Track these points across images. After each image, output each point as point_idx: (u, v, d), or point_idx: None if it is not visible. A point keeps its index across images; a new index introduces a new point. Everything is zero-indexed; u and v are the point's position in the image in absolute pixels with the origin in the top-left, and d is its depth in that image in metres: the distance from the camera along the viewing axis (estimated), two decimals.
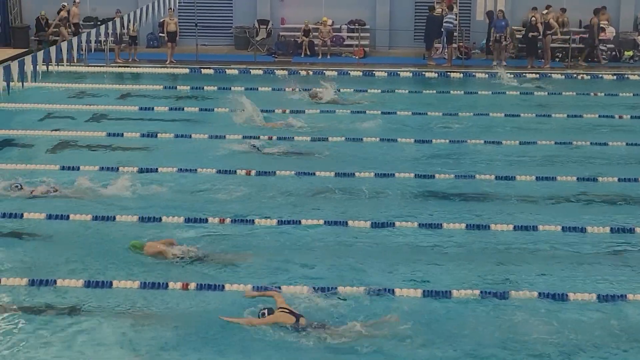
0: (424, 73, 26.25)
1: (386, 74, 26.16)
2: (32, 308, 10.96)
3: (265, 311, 10.45)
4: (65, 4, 27.56)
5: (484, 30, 28.26)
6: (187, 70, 26.37)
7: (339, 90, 22.56)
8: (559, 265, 12.49)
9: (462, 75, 26.04)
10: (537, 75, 26.06)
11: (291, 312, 10.47)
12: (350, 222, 13.84)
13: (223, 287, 11.41)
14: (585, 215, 14.42)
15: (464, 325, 10.67)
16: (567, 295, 11.38)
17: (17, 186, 14.92)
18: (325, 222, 13.81)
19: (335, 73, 26.13)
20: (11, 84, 16.00)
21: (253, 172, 16.27)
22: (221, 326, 10.44)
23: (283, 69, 26.47)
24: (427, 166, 16.94)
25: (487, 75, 25.67)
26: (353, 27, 29.74)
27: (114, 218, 13.84)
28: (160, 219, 13.81)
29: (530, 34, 27.38)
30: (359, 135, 18.98)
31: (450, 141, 18.71)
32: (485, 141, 18.70)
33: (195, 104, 21.98)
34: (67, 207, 14.25)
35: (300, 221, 13.82)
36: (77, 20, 28.27)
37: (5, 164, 16.56)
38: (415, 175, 16.28)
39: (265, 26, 29.57)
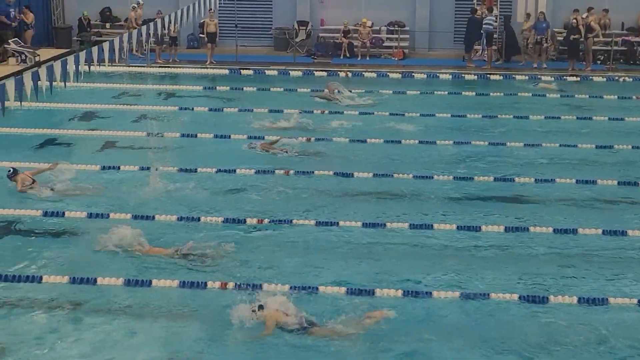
0: (463, 75, 26.14)
1: (425, 75, 26.07)
2: (73, 306, 11.09)
3: (256, 307, 10.48)
4: (135, 5, 27.72)
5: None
6: (226, 71, 26.49)
7: (350, 91, 22.57)
8: (599, 269, 12.37)
9: (501, 77, 25.87)
10: (578, 78, 25.84)
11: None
12: (388, 224, 13.82)
13: (261, 286, 11.45)
14: (625, 218, 14.27)
15: (501, 329, 10.62)
16: (607, 299, 11.27)
17: (51, 188, 15.11)
18: (363, 223, 13.81)
19: (374, 75, 26.11)
20: (54, 83, 16.20)
21: (292, 172, 16.32)
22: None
23: (322, 70, 26.50)
24: (465, 168, 16.88)
25: (527, 77, 25.49)
26: (392, 28, 29.67)
27: (153, 217, 13.95)
28: (199, 219, 13.90)
29: (572, 37, 27.14)
30: (398, 137, 18.95)
31: (489, 143, 18.60)
32: (524, 144, 18.57)
33: (234, 104, 22.06)
34: (107, 206, 14.40)
35: (338, 222, 13.83)
36: (140, 22, 28.44)
37: (48, 163, 16.71)
38: (454, 177, 16.22)
39: (304, 27, 29.62)
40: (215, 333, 10.41)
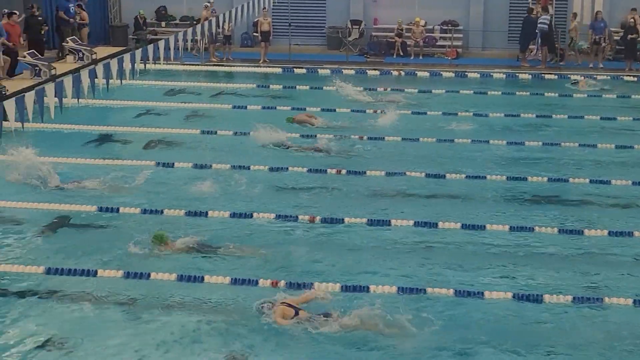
0: (517, 75, 25.91)
1: (478, 75, 25.90)
2: (127, 300, 11.24)
3: (264, 305, 10.59)
4: (207, 4, 27.93)
5: (582, 31, 27.70)
6: (279, 70, 26.60)
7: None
8: None
9: (556, 77, 25.59)
10: (635, 78, 25.44)
11: (290, 305, 10.54)
12: (440, 224, 13.78)
13: (312, 285, 11.49)
14: None
15: (554, 330, 10.53)
16: None
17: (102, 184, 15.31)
18: (415, 222, 13.78)
19: (427, 74, 26.02)
20: (110, 81, 16.47)
21: (344, 172, 16.34)
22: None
23: (375, 69, 26.49)
24: (519, 168, 16.74)
25: (582, 78, 25.17)
26: (446, 27, 29.54)
27: (207, 214, 14.08)
28: (252, 215, 13.99)
29: (629, 36, 26.75)
30: (451, 136, 18.88)
31: (543, 143, 18.43)
32: (579, 144, 18.36)
33: (287, 103, 22.15)
34: (161, 203, 14.56)
35: (389, 221, 13.82)
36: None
37: (103, 159, 16.98)
38: (507, 177, 16.10)
39: (358, 26, 29.61)
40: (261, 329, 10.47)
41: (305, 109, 21.24)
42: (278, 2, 27.53)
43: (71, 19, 26.84)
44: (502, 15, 29.30)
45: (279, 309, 10.51)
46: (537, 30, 27.11)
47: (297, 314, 10.47)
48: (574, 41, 27.45)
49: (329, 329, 10.27)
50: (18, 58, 23.54)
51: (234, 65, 27.34)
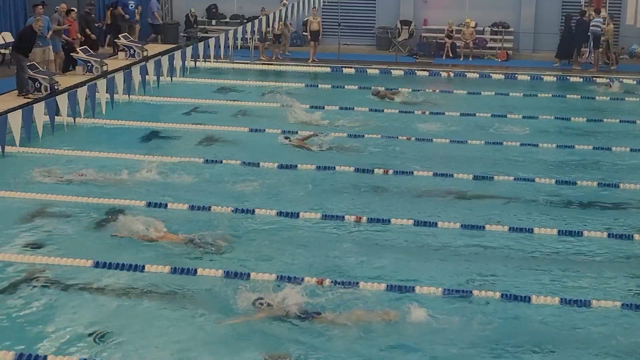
0: (568, 77, 25.64)
1: (529, 77, 25.69)
2: (174, 296, 11.34)
3: (257, 301, 10.67)
4: (286, 1, 28.12)
5: (636, 34, 27.34)
6: (328, 69, 26.64)
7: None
8: None
9: (608, 80, 25.28)
10: None
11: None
12: (487, 226, 13.69)
13: (357, 283, 11.48)
14: None
15: (603, 335, 10.40)
16: None
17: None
18: (461, 225, 13.71)
19: (477, 75, 25.87)
20: (161, 78, 16.63)
21: (391, 172, 16.31)
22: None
23: (424, 70, 26.40)
24: (568, 172, 16.57)
25: (635, 82, 24.85)
26: (496, 29, 29.35)
27: (253, 211, 14.14)
28: (298, 215, 14.02)
29: None
30: (499, 139, 18.74)
31: (593, 147, 18.22)
32: (630, 149, 18.13)
33: (335, 102, 22.15)
34: (208, 199, 14.65)
35: (436, 223, 13.76)
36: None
37: (152, 155, 17.13)
38: (556, 181, 15.95)
39: (407, 27, 29.55)
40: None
41: (353, 109, 21.27)
42: (328, 2, 27.58)
43: (131, 16, 27.23)
44: (553, 17, 29.05)
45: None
46: (589, 34, 26.81)
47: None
48: (609, 44, 27.12)
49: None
50: (72, 54, 23.87)
51: (283, 64, 27.43)
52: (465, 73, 26.13)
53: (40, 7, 22.61)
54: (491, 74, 26.01)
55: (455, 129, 19.55)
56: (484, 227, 13.66)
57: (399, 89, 22.81)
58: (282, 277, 11.68)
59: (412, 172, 16.29)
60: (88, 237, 13.17)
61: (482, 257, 12.70)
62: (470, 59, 28.57)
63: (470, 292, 11.35)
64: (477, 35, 29.03)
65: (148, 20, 29.11)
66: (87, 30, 25.44)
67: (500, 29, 29.14)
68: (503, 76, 25.84)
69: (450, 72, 26.24)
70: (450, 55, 28.71)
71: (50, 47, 22.63)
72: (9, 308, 10.82)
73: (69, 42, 23.93)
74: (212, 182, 15.73)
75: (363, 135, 18.73)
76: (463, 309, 10.92)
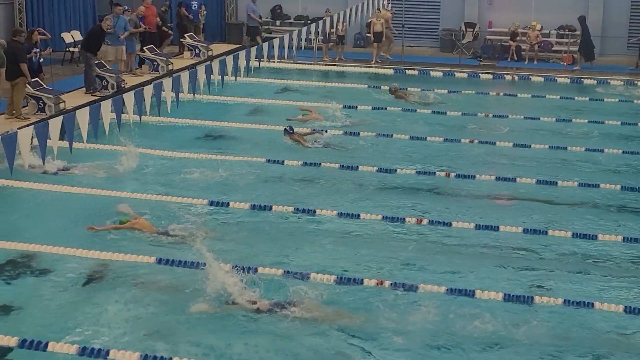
0: (636, 82, 25.20)
1: (595, 81, 25.32)
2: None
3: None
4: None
5: None
6: (391, 71, 26.58)
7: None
8: None
9: None
10: None
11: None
12: (550, 232, 13.53)
13: (417, 288, 11.44)
14: None
15: None
16: None
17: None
18: (524, 230, 13.57)
19: (542, 79, 25.58)
20: (225, 77, 16.78)
21: (452, 175, 16.24)
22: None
23: (487, 73, 26.19)
24: (634, 178, 16.29)
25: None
26: (562, 32, 28.96)
27: (314, 212, 14.19)
28: (359, 216, 14.03)
29: None
30: (564, 143, 18.52)
31: None
32: None
33: (398, 104, 22.11)
34: (269, 199, 14.75)
35: (498, 227, 13.64)
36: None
37: (215, 155, 17.28)
38: (622, 187, 15.69)
39: (472, 29, 29.34)
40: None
41: (416, 111, 21.21)
42: (393, 4, 27.50)
43: (195, 15, 27.55)
44: (621, 20, 28.55)
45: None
46: None
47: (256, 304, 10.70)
48: None
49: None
50: (138, 53, 24.18)
51: (346, 65, 27.45)
52: (530, 76, 25.84)
53: (119, 7, 23.00)
54: (556, 78, 25.69)
55: (519, 132, 19.36)
56: (546, 231, 13.52)
57: (409, 89, 22.95)
58: (341, 280, 11.67)
59: (475, 176, 16.17)
60: (149, 234, 13.34)
61: (545, 262, 12.56)
62: (535, 62, 28.23)
63: (532, 297, 11.23)
64: (543, 39, 28.69)
65: (244, 22, 29.59)
66: (163, 27, 25.82)
67: (567, 32, 28.75)
68: (568, 80, 25.51)
69: (514, 76, 25.98)
70: (515, 58, 28.41)
71: (124, 47, 22.99)
72: None
73: (148, 31, 24.39)
74: (273, 181, 15.82)
75: (425, 138, 18.66)
76: (524, 314, 10.81)
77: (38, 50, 19.90)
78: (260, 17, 29.45)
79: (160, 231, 13.11)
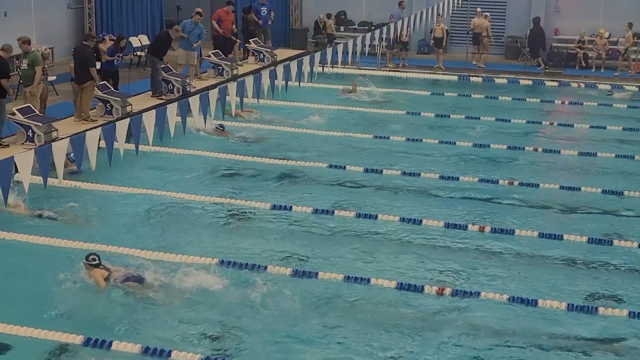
0: None
1: None
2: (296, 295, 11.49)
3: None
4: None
5: None
6: (455, 78, 26.44)
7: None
8: None
9: None
10: None
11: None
12: (615, 242, 13.34)
13: (478, 294, 11.37)
14: None
15: None
16: None
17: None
18: (588, 239, 13.38)
19: (609, 87, 25.20)
20: (289, 82, 16.87)
21: (516, 183, 16.10)
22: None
23: (553, 81, 25.90)
24: None
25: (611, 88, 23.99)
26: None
27: (376, 217, 14.20)
28: (421, 222, 14.00)
29: None
30: (631, 152, 18.25)
31: None
32: None
33: (461, 111, 21.99)
34: (330, 204, 14.80)
35: (562, 236, 13.46)
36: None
37: (276, 160, 17.39)
38: None
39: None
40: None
41: (479, 118, 21.07)
42: (457, 10, 27.33)
43: (265, 21, 27.67)
44: None
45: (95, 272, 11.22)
46: None
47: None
48: (628, 51, 26.12)
49: None
50: (202, 58, 24.47)
51: (409, 71, 27.37)
52: (597, 84, 25.47)
53: (199, 16, 23.18)
54: (624, 86, 25.28)
55: (584, 141, 19.12)
56: (611, 241, 13.33)
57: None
58: (401, 285, 11.66)
59: (539, 184, 16.01)
60: (210, 236, 13.49)
61: (608, 273, 12.38)
62: (602, 70, 27.79)
63: (596, 308, 11.08)
64: (611, 47, 28.22)
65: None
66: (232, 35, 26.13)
67: (636, 40, 28.23)
68: (637, 89, 25.08)
69: (581, 83, 25.63)
70: (583, 65, 28.01)
71: (196, 53, 23.26)
72: None
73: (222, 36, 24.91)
74: (335, 186, 15.87)
75: (489, 145, 18.54)
76: (588, 325, 10.68)
77: (121, 55, 20.41)
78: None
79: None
